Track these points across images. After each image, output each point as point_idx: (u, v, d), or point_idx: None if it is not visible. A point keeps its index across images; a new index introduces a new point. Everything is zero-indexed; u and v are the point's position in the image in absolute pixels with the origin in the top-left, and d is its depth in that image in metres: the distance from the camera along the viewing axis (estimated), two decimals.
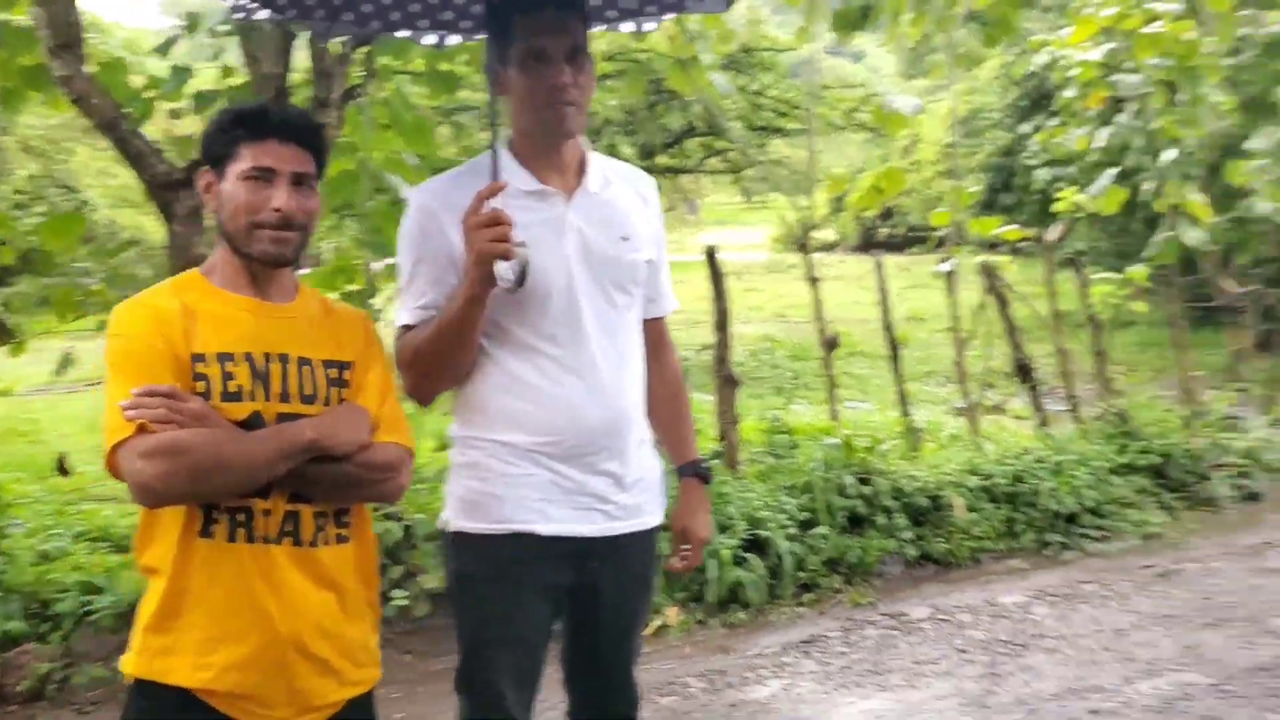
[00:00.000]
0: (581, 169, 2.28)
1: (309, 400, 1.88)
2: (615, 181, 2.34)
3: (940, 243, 7.55)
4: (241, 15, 2.29)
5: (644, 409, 2.34)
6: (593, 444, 2.19)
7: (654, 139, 15.10)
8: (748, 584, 5.04)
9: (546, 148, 2.21)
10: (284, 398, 1.85)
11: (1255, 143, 8.50)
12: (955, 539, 5.74)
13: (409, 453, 1.96)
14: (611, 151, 10.99)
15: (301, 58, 4.98)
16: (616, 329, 2.26)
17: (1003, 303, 7.14)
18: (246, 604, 1.81)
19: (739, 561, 5.10)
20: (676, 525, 2.46)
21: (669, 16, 2.62)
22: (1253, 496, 6.97)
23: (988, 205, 19.34)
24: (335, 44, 4.63)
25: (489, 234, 1.98)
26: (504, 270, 2.02)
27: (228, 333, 1.86)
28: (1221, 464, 7.11)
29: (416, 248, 2.19)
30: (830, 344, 6.15)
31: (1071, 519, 6.14)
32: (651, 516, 2.34)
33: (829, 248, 26.60)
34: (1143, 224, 17.03)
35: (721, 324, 6.05)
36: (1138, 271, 7.49)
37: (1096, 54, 7.90)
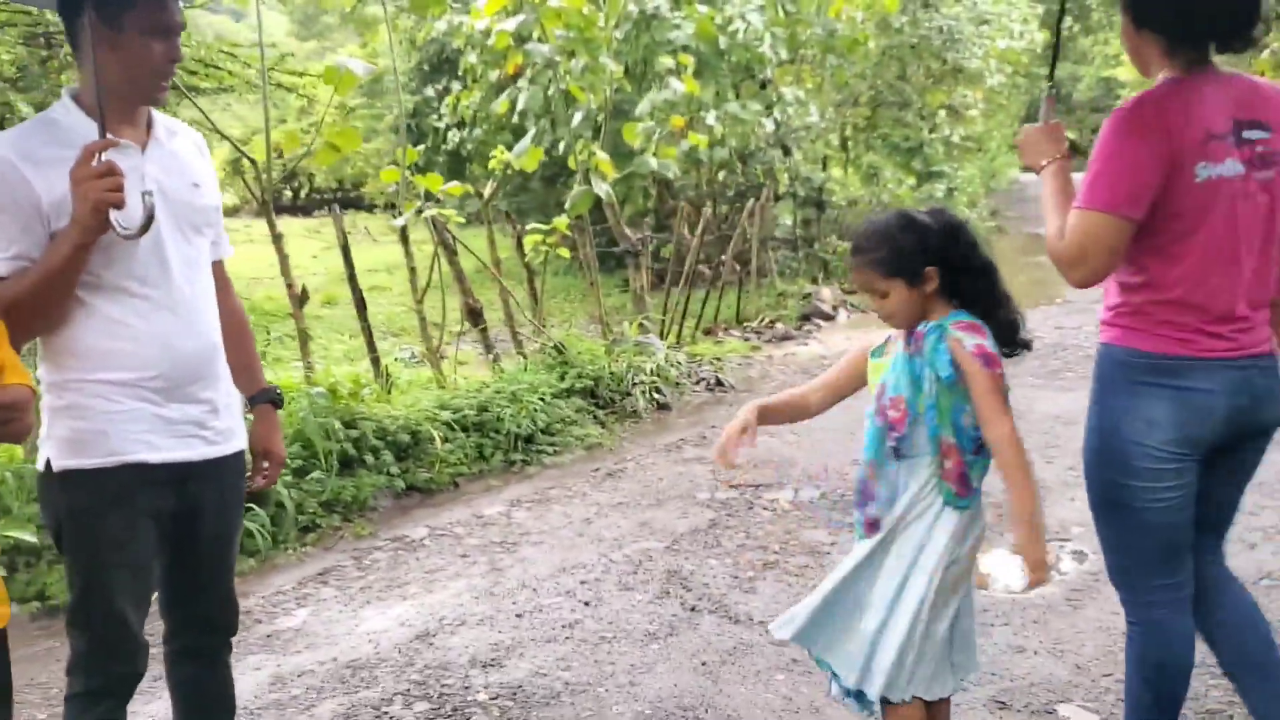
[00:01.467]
0: (149, 124, 2.43)
1: None
2: (178, 134, 2.52)
3: (390, 203, 7.97)
4: None
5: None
6: (190, 374, 2.38)
7: (50, 98, 13.72)
8: (252, 532, 5.19)
9: (127, 105, 2.33)
10: None
11: (641, 107, 9.93)
12: (436, 468, 6.30)
13: (32, 392, 2.03)
14: (7, 109, 10.03)
15: None
16: (197, 268, 2.46)
17: (451, 253, 7.77)
18: None
19: None
20: (258, 447, 2.71)
21: None
22: (664, 406, 8.34)
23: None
24: None
25: (104, 184, 2.10)
26: (120, 218, 2.14)
27: None
28: (638, 382, 8.39)
29: None
30: (301, 299, 6.37)
31: (530, 439, 6.98)
32: (240, 440, 2.57)
33: (232, 212, 25.53)
34: (541, 182, 18.73)
35: None
36: (561, 221, 8.50)
37: (510, 24, 8.73)
